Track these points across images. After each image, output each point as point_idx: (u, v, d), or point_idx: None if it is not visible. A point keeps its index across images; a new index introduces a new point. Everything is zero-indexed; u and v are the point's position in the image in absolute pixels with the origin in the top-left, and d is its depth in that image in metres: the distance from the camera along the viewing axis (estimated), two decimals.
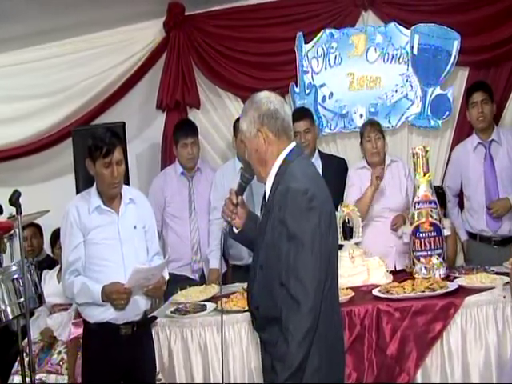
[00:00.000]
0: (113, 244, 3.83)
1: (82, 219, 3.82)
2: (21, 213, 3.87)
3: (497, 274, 4.32)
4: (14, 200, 3.83)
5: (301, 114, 5.35)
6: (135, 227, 3.92)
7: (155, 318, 4.23)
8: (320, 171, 5.23)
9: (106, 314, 3.81)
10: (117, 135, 3.91)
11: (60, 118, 6.11)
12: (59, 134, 6.13)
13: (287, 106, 3.10)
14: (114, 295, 3.72)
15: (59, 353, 4.96)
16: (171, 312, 4.36)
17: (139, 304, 3.90)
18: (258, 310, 3.03)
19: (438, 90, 5.65)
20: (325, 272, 2.85)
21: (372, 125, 5.08)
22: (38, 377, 4.84)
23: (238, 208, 3.24)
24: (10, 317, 4.09)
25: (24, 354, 4.26)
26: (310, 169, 3.08)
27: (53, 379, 4.88)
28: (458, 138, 5.63)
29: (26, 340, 4.88)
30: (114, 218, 3.87)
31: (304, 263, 2.79)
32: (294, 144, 3.06)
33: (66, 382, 4.84)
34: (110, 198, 3.88)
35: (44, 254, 5.95)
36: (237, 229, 3.28)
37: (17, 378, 4.84)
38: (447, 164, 5.61)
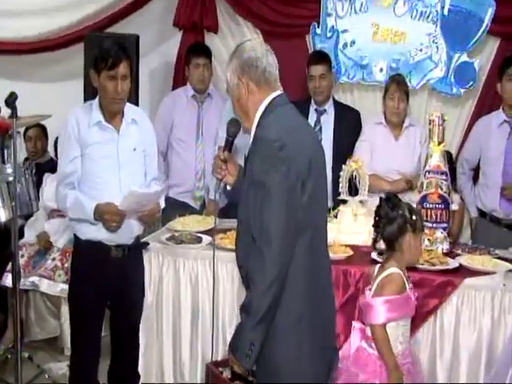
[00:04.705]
0: (110, 163, 3.60)
1: (82, 132, 3.58)
2: (16, 116, 3.56)
3: (500, 258, 4.12)
4: (10, 102, 3.52)
5: (318, 57, 5.11)
6: (135, 149, 3.67)
7: (147, 243, 4.06)
8: (332, 120, 5.09)
9: (98, 233, 3.61)
10: (124, 49, 3.63)
11: (74, 20, 5.70)
12: (72, 35, 5.73)
13: (272, 56, 2.87)
14: (107, 216, 3.52)
15: (53, 259, 4.80)
16: (166, 239, 4.17)
17: (133, 228, 3.71)
18: (242, 269, 2.89)
19: (465, 57, 5.37)
20: (294, 224, 2.67)
21: (399, 84, 4.83)
22: (30, 279, 4.75)
23: (227, 164, 3.08)
24: (3, 219, 3.78)
25: (19, 255, 4.10)
26: (291, 118, 2.88)
27: (45, 284, 4.74)
28: (479, 111, 5.37)
29: (21, 242, 4.78)
30: (114, 136, 3.62)
31: (269, 213, 2.64)
32: (277, 93, 2.86)
33: (58, 288, 4.72)
34: (112, 114, 3.62)
35: (47, 157, 5.59)
36: (229, 186, 3.13)
37: (10, 277, 4.64)
38: (465, 135, 5.38)
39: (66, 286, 4.56)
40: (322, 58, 5.09)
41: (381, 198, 3.47)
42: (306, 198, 2.71)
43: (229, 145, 3.11)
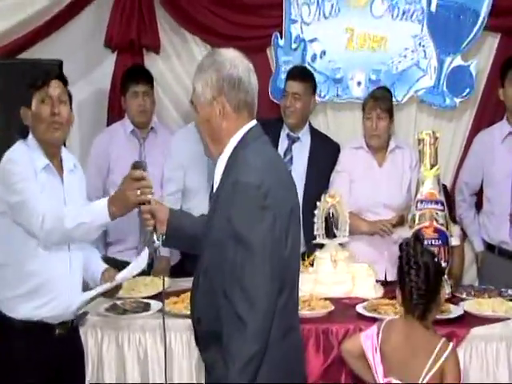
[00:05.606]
0: None
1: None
2: None
3: None
4: None
5: (296, 73, 5.29)
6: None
7: (86, 313, 4.02)
8: (307, 151, 5.25)
9: (40, 310, 3.59)
10: (53, 71, 3.78)
11: None
12: None
13: (255, 75, 2.94)
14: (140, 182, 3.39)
15: None
16: (106, 309, 4.21)
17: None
18: (200, 324, 2.96)
19: (459, 61, 5.57)
20: (278, 285, 2.76)
21: (377, 100, 4.94)
22: None
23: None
24: None
25: None
26: (268, 155, 2.97)
27: None
28: (479, 124, 5.56)
29: None
30: (59, 186, 3.67)
31: (252, 274, 2.70)
32: (254, 123, 2.95)
33: None
34: (51, 153, 3.66)
35: None
36: (163, 233, 3.25)
37: None
38: (463, 154, 5.52)
39: None
40: (300, 74, 5.25)
41: (409, 243, 3.44)
42: (288, 252, 2.82)
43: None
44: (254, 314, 2.67)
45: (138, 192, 3.34)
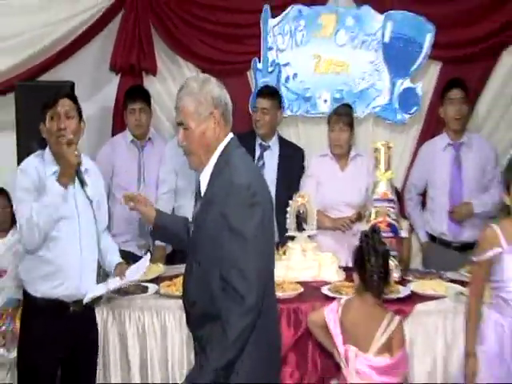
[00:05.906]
0: (69, 216, 3.79)
1: (41, 182, 3.76)
2: None
3: (452, 281, 4.48)
4: None
5: (265, 91, 5.50)
6: (91, 201, 3.88)
7: (101, 297, 4.15)
8: (276, 157, 5.47)
9: (57, 290, 3.78)
10: (62, 91, 3.94)
11: (2, 68, 5.82)
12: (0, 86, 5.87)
13: None
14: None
15: None
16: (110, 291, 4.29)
17: (94, 278, 3.93)
18: (194, 307, 3.12)
19: (408, 83, 5.80)
20: (265, 267, 3.00)
21: (339, 115, 5.14)
22: None
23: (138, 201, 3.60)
24: None
25: None
26: (250, 162, 3.23)
27: None
28: (425, 136, 5.79)
29: None
30: (69, 188, 3.79)
31: (248, 260, 2.89)
32: (232, 135, 3.14)
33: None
34: None
35: None
36: (150, 224, 3.53)
37: None
38: (412, 161, 5.75)
39: (1, 351, 4.61)
40: (268, 92, 5.46)
41: (367, 234, 3.71)
42: (272, 240, 3.12)
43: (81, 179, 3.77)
44: (251, 293, 2.87)
45: (76, 152, 3.67)
